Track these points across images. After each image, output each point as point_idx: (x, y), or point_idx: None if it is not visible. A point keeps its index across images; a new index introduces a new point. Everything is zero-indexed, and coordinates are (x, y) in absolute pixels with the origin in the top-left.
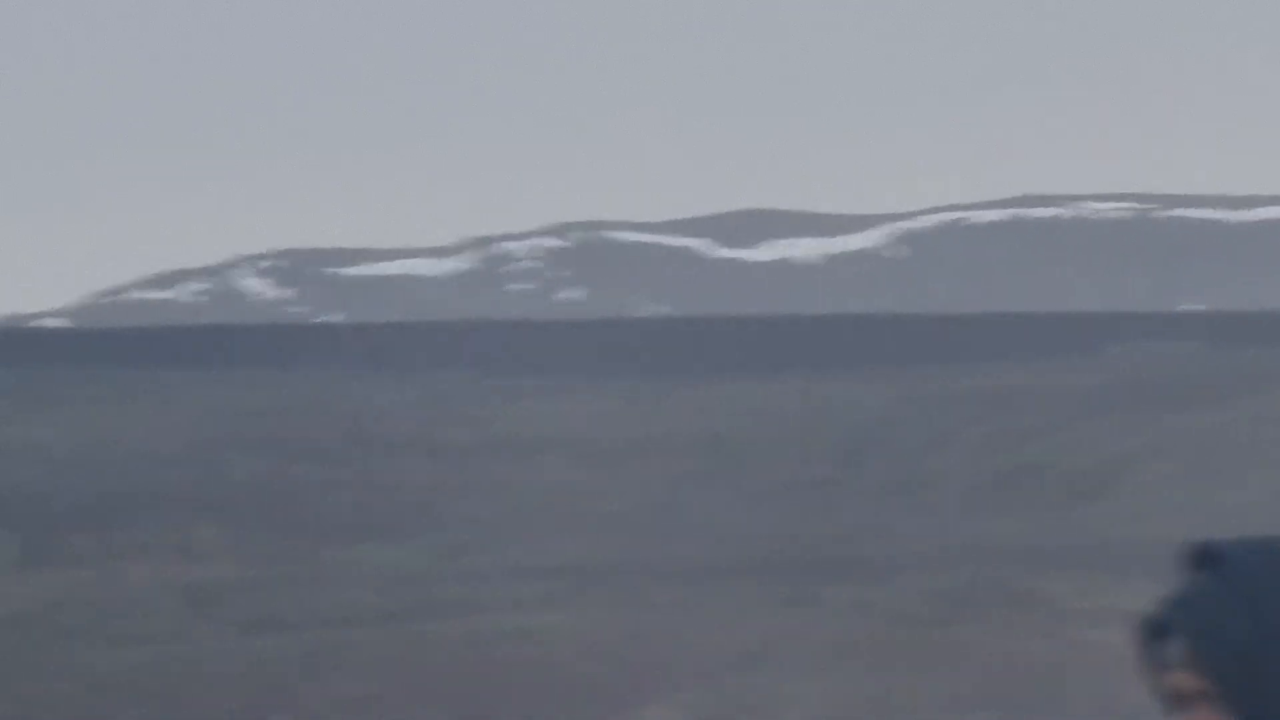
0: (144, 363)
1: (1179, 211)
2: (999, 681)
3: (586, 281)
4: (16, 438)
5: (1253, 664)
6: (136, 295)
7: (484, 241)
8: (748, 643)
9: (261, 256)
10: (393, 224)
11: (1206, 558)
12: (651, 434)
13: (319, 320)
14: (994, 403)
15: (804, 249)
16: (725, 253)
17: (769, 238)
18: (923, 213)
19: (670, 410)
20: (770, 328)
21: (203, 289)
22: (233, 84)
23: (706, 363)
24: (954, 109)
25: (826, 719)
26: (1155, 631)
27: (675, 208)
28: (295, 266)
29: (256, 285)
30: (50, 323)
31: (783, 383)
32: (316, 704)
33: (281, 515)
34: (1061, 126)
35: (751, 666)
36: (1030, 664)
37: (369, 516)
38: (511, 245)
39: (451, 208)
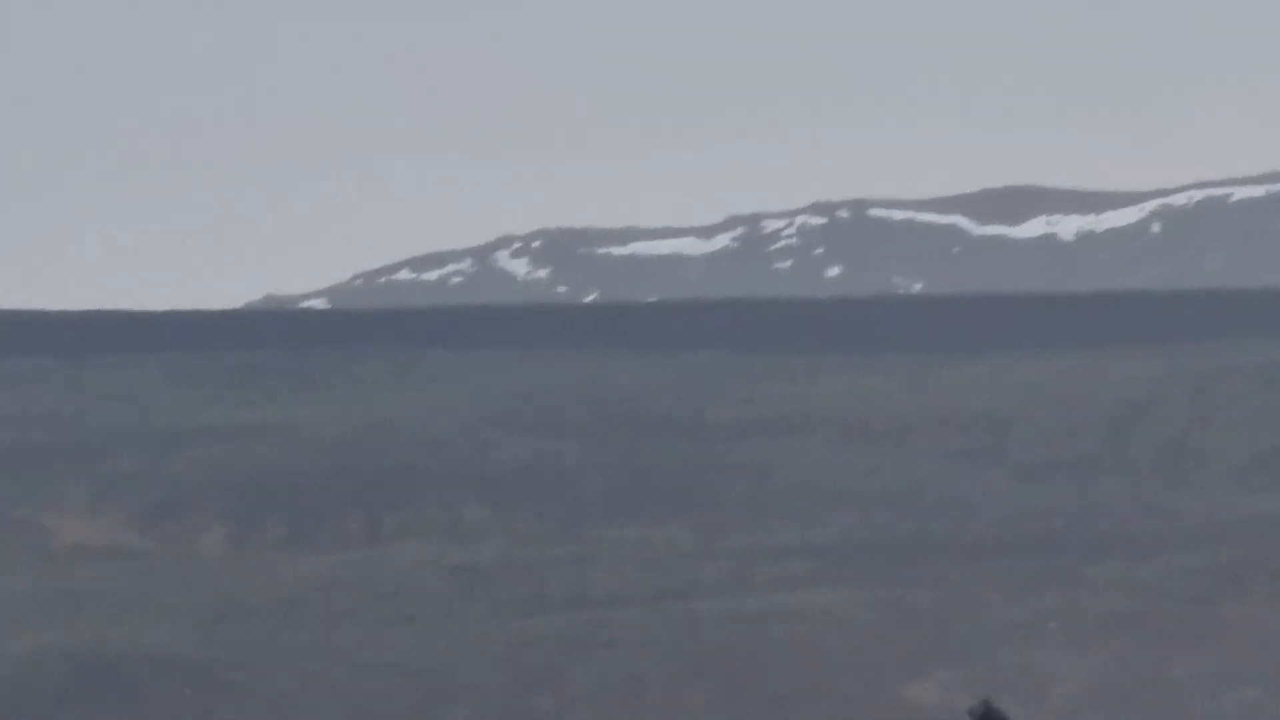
0: (409, 343)
1: None
2: (1264, 657)
3: (849, 259)
4: (283, 419)
5: None
6: (400, 276)
7: (747, 220)
8: (1013, 619)
9: (524, 237)
10: (655, 203)
11: None
12: (916, 412)
13: (581, 300)
14: (1260, 379)
15: (1067, 226)
16: (989, 229)
17: (1032, 214)
18: (1185, 188)
19: (935, 388)
20: (1034, 305)
21: (466, 270)
22: (501, 70)
23: (971, 340)
24: (1216, 85)
25: (1091, 695)
26: None
27: (938, 184)
28: (557, 247)
29: (518, 266)
30: (313, 304)
31: (1047, 360)
32: (583, 684)
33: (548, 495)
34: None
35: (1017, 643)
36: None
37: (634, 496)
38: (775, 223)
39: (715, 187)
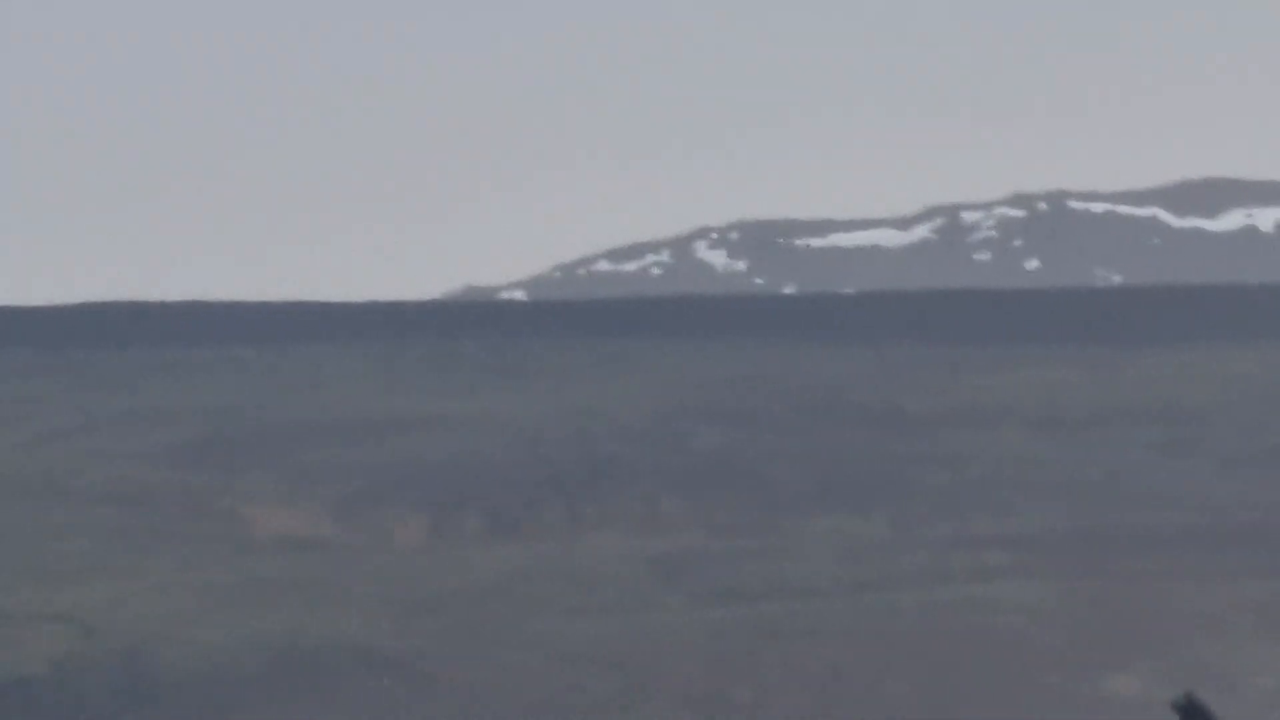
0: (607, 334)
1: None
2: None
3: (1046, 251)
4: (481, 410)
5: None
6: (599, 267)
7: (945, 211)
8: (1212, 610)
9: (722, 229)
10: (853, 194)
11: None
12: (1112, 403)
13: (780, 291)
14: None
15: (1266, 217)
16: (1187, 221)
17: (1231, 206)
18: None
19: (1131, 379)
20: (1233, 296)
21: (664, 261)
22: (692, 60)
23: (1167, 331)
24: None
25: None
26: None
27: (1136, 177)
28: (755, 238)
29: (716, 257)
30: (512, 295)
31: (1246, 350)
32: (778, 674)
33: (745, 486)
34: None
35: (1216, 634)
36: None
37: (830, 487)
38: (973, 215)
39: (912, 178)
